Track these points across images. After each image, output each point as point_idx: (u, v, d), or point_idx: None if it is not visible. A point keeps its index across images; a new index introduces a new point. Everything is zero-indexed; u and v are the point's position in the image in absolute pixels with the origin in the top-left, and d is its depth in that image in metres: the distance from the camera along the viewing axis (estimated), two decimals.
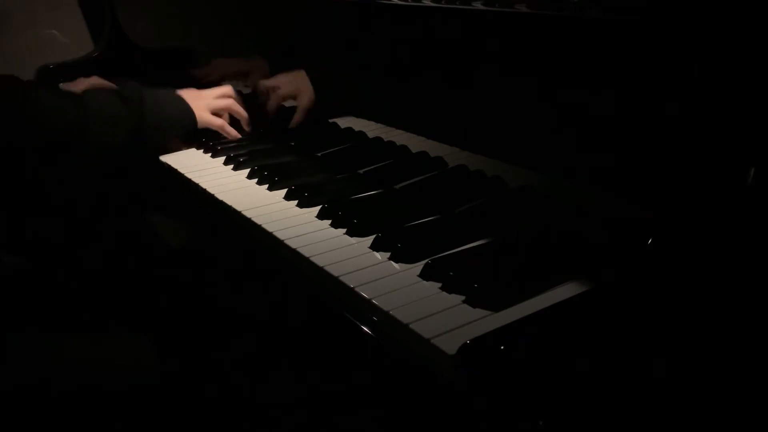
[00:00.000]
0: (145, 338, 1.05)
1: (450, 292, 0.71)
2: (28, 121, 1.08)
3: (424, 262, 0.75)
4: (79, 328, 1.05)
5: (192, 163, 1.17)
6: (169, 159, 1.20)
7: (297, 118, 1.29)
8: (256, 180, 1.06)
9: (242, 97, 1.37)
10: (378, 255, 0.80)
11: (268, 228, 0.89)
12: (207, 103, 1.26)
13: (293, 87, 1.29)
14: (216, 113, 1.27)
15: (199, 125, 1.24)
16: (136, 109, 1.15)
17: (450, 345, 0.62)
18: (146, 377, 1.01)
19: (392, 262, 0.78)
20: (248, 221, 0.92)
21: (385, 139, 1.14)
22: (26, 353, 0.96)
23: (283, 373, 1.01)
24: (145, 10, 1.78)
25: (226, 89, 1.31)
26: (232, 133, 1.28)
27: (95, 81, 1.68)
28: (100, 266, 1.28)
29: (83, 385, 0.96)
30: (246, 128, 1.31)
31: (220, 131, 1.27)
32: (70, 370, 0.97)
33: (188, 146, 1.26)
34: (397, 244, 0.80)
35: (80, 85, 1.64)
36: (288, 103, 1.38)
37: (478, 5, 0.92)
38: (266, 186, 1.03)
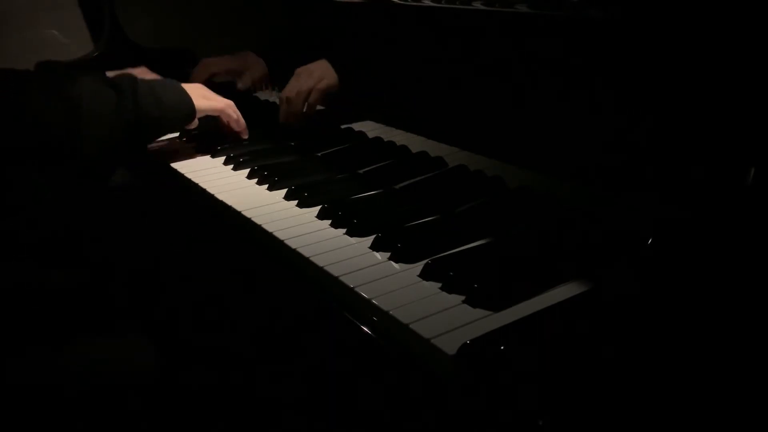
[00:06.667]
0: (146, 340, 1.05)
1: (450, 292, 0.71)
2: (10, 120, 1.01)
3: (424, 262, 0.75)
4: (82, 330, 1.05)
5: (191, 163, 1.17)
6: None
7: (312, 99, 1.21)
8: (256, 180, 1.06)
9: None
10: (378, 255, 0.80)
11: (268, 228, 0.89)
12: (205, 93, 1.19)
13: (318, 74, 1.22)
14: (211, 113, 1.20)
15: (199, 112, 1.16)
16: (130, 98, 1.08)
17: (450, 345, 0.62)
18: (146, 378, 1.01)
19: (392, 262, 0.78)
20: (248, 221, 0.92)
21: (385, 139, 1.14)
22: (33, 358, 0.96)
23: (282, 373, 1.01)
24: (145, 10, 1.78)
25: (229, 102, 1.23)
26: (241, 122, 1.22)
27: (142, 73, 1.67)
28: (100, 267, 1.28)
29: (85, 386, 0.96)
30: (244, 137, 1.25)
31: (224, 116, 1.20)
32: (74, 372, 0.97)
33: (202, 155, 1.21)
34: (397, 244, 0.80)
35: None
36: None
37: (478, 5, 0.92)
38: (266, 186, 1.03)
